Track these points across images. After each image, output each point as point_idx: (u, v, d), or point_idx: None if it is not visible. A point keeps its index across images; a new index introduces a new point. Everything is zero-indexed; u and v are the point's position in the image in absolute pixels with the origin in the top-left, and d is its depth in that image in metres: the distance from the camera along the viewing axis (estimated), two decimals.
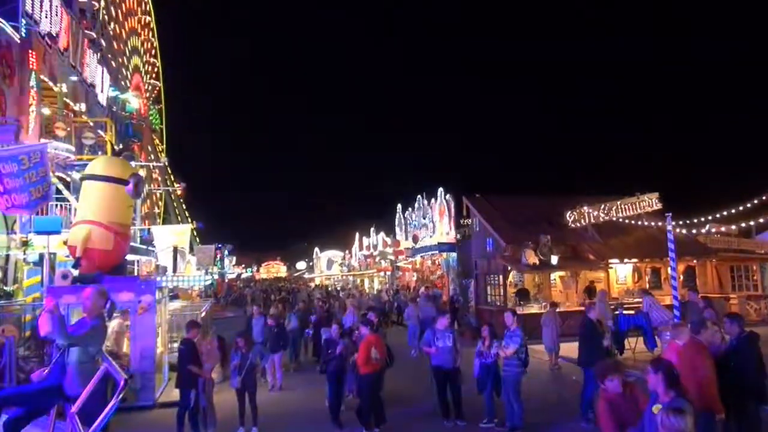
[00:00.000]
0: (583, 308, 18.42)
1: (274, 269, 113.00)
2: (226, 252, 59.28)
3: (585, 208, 20.41)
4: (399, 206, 34.94)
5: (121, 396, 4.67)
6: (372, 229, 41.94)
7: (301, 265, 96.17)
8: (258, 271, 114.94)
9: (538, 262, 18.37)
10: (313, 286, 48.09)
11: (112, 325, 10.61)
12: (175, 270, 17.29)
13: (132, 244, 24.10)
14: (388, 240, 36.40)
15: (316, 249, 63.64)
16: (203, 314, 18.12)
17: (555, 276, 20.11)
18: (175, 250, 15.36)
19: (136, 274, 24.75)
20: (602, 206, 20.59)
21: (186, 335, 9.21)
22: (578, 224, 20.31)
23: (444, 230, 26.71)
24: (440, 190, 27.18)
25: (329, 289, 40.27)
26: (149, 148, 38.01)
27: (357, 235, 47.50)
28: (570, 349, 14.30)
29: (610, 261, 19.77)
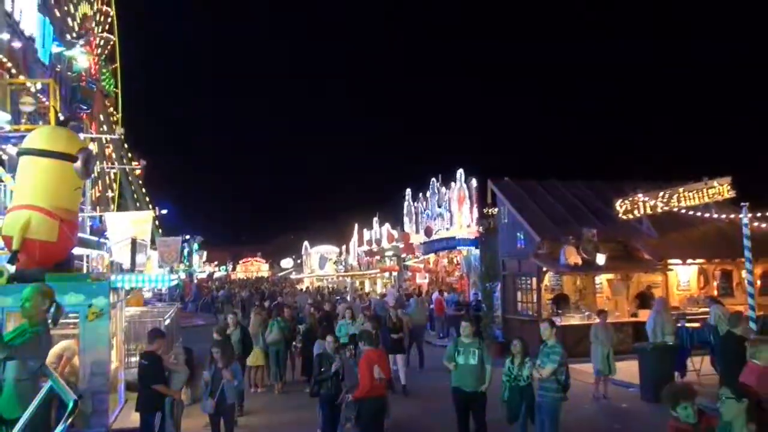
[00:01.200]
0: (635, 319, 18.65)
1: (254, 267, 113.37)
2: (195, 246, 59.52)
3: (640, 195, 20.29)
4: (408, 192, 34.88)
5: (69, 421, 4.64)
6: (375, 220, 41.92)
7: (286, 262, 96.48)
8: (234, 269, 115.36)
9: (580, 262, 18.33)
10: (302, 288, 48.16)
11: (60, 347, 10.59)
12: (133, 267, 17.29)
13: (80, 234, 24.09)
14: (395, 233, 36.36)
15: (306, 243, 63.66)
16: (168, 322, 18.19)
17: (601, 279, 20.09)
18: (134, 242, 15.34)
19: (85, 271, 24.78)
20: (661, 194, 20.47)
21: (148, 347, 9.18)
22: (631, 216, 20.23)
23: (464, 221, 26.65)
24: (460, 171, 27.12)
25: (325, 291, 40.34)
26: (101, 117, 37.98)
27: (356, 226, 47.50)
28: (619, 369, 14.35)
29: (670, 262, 19.70)
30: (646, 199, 20.34)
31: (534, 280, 19.45)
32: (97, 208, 33.95)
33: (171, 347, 10.26)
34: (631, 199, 20.35)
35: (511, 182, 22.78)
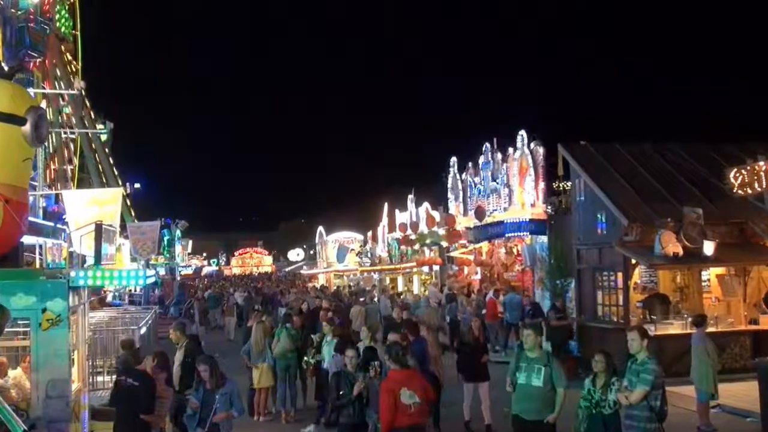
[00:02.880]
0: (755, 327, 18.39)
1: (254, 260, 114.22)
2: (177, 233, 60.12)
3: (761, 163, 19.91)
4: (453, 161, 34.72)
5: None
6: (410, 198, 41.81)
7: (295, 254, 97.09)
8: (228, 263, 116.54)
9: (681, 252, 18.14)
10: (314, 286, 48.42)
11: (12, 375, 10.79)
12: (99, 260, 17.43)
13: (31, 219, 24.48)
14: (436, 215, 36.27)
15: (320, 229, 63.87)
16: (143, 331, 18.44)
17: (709, 274, 19.89)
18: (99, 228, 15.41)
19: (38, 266, 25.05)
20: None
21: (141, 366, 9.36)
22: (749, 190, 19.84)
23: (527, 199, 26.48)
24: (521, 134, 26.84)
25: (345, 291, 40.46)
26: (57, 67, 38.39)
27: (385, 207, 47.46)
28: (733, 393, 14.17)
29: None
30: None
31: (619, 275, 19.31)
32: (53, 184, 34.45)
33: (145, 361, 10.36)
34: (749, 167, 19.99)
35: (590, 147, 22.56)
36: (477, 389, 13.99)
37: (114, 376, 13.00)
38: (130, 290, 34.10)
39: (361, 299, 29.40)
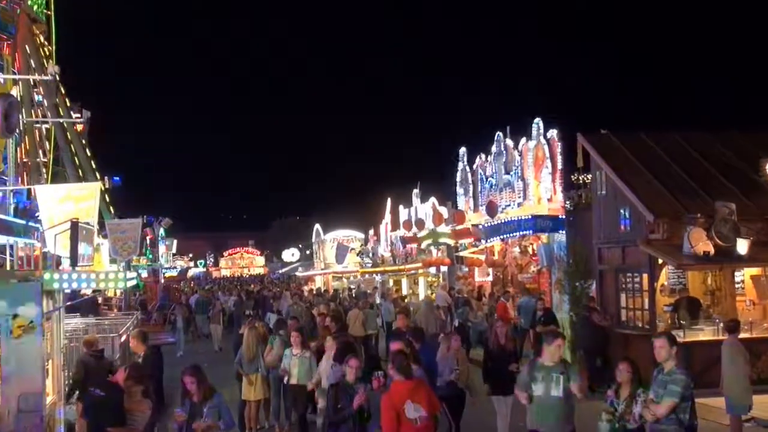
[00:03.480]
0: None
1: (245, 261, 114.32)
2: (161, 231, 60.03)
3: None
4: (462, 151, 34.71)
5: None
6: (415, 193, 41.85)
7: (290, 254, 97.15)
8: (216, 265, 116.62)
9: (712, 251, 18.14)
10: (310, 289, 48.35)
11: None
12: (75, 261, 17.43)
13: (1, 216, 24.45)
14: (444, 211, 36.27)
15: (317, 227, 63.90)
16: (124, 339, 18.43)
17: (743, 274, 19.90)
18: (75, 226, 15.43)
19: (8, 267, 25.02)
20: None
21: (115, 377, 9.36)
22: None
23: (543, 193, 26.45)
24: (537, 122, 26.81)
25: (344, 295, 40.43)
26: (28, 50, 38.35)
27: (388, 202, 47.47)
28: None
29: None
30: None
31: (645, 277, 19.31)
32: (24, 177, 34.44)
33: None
34: None
35: (612, 136, 22.53)
36: (501, 405, 13.69)
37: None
38: (116, 294, 34.08)
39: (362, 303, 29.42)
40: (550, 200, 26.06)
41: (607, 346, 19.08)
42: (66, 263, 15.96)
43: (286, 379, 14.46)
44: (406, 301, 31.99)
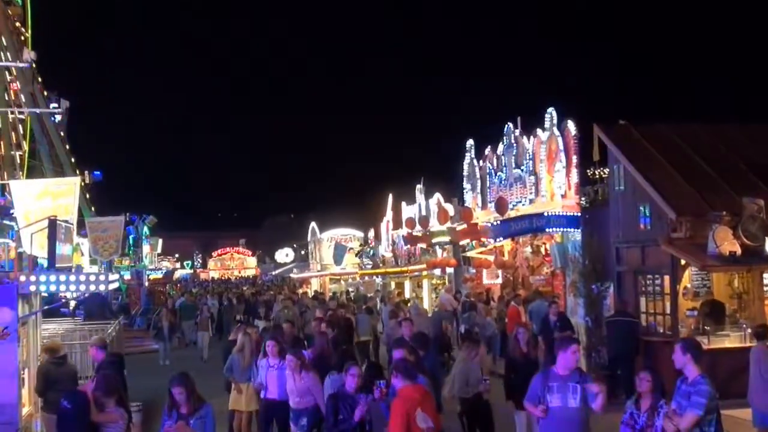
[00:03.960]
0: None
1: (235, 262, 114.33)
2: (144, 230, 60.10)
3: None
4: (469, 144, 34.67)
5: None
6: (418, 188, 41.80)
7: (284, 255, 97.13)
8: (204, 266, 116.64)
9: (739, 251, 18.11)
10: (305, 292, 48.34)
11: None
12: (53, 262, 17.46)
13: None
14: (449, 208, 36.27)
15: (313, 226, 63.88)
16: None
17: None
18: (53, 224, 15.45)
19: None
20: None
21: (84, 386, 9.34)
22: None
23: (557, 189, 26.40)
24: (550, 112, 26.74)
25: (343, 296, 40.40)
26: (3, 36, 38.37)
27: (389, 199, 47.46)
28: None
29: None
30: None
31: (666, 279, 19.31)
32: None
33: None
34: None
35: (631, 128, 22.48)
36: (519, 420, 13.60)
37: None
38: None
39: (365, 307, 29.43)
40: (564, 196, 25.99)
41: (638, 354, 18.96)
42: (43, 264, 15.97)
43: (262, 393, 14.19)
44: (408, 305, 31.91)
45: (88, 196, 41.08)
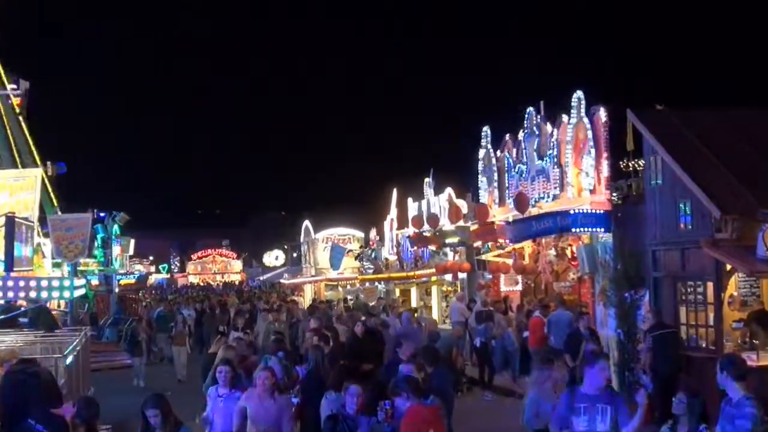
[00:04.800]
0: None
1: (217, 265, 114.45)
2: (115, 229, 60.11)
3: None
4: (485, 131, 34.64)
5: None
6: (427, 182, 41.80)
7: (273, 257, 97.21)
8: (183, 270, 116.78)
9: None
10: (293, 299, 48.30)
11: None
12: (10, 265, 17.43)
13: None
14: (462, 205, 36.26)
15: (307, 224, 63.93)
16: (69, 360, 18.42)
17: None
18: (11, 222, 15.43)
19: None
20: None
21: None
22: None
23: (584, 184, 26.37)
24: (578, 96, 26.68)
25: (340, 305, 40.37)
26: None
27: (394, 194, 47.47)
28: None
29: None
30: None
31: (710, 286, 19.29)
32: None
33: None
34: None
35: (670, 113, 22.45)
36: None
37: None
38: (60, 305, 34.11)
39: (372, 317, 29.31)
40: (593, 191, 25.94)
41: (680, 371, 18.89)
42: None
43: (207, 430, 13.28)
44: (416, 315, 31.90)
45: (51, 190, 41.05)
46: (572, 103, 26.69)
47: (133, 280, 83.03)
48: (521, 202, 29.36)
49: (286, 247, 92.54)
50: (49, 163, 41.46)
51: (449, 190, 38.24)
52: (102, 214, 57.40)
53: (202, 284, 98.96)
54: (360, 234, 58.22)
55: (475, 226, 33.45)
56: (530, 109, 30.11)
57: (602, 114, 25.43)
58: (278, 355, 15.83)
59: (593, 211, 25.25)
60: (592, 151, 25.66)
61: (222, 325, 34.29)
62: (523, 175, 30.62)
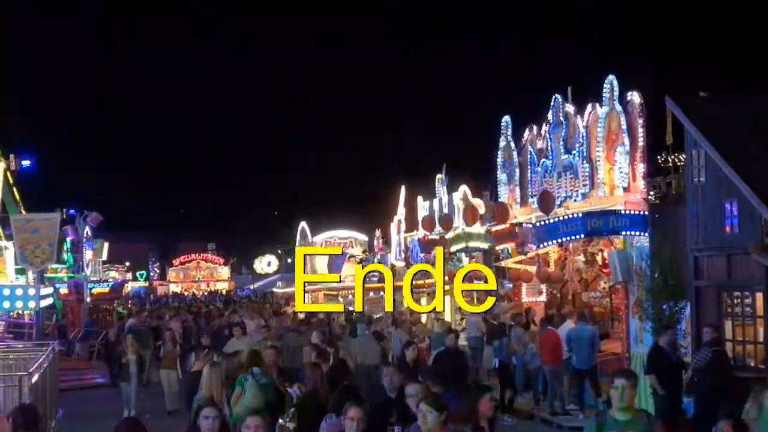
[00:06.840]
0: None
1: (202, 272, 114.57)
2: (87, 231, 60.11)
3: None
4: (506, 121, 34.63)
5: None
6: (439, 179, 41.82)
7: (265, 263, 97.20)
8: (164, 277, 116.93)
9: None
10: (284, 311, 48.32)
11: None
12: None
13: None
14: (479, 204, 36.27)
15: (303, 226, 63.96)
16: (35, 379, 18.47)
17: None
18: None
19: None
20: None
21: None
22: None
23: (618, 180, 26.35)
24: (611, 81, 26.64)
25: (341, 317, 40.49)
26: None
27: (402, 192, 47.52)
28: None
29: None
30: None
31: (759, 297, 19.40)
32: None
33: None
34: None
35: (715, 101, 22.42)
36: None
37: None
38: (16, 314, 34.18)
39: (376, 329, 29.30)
40: (627, 190, 25.89)
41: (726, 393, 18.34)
42: None
43: None
44: (413, 328, 31.90)
45: (14, 186, 41.18)
46: (604, 90, 26.64)
47: (106, 289, 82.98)
48: (546, 201, 29.34)
49: (279, 251, 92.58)
50: (12, 156, 41.48)
51: (464, 188, 38.16)
52: (72, 213, 57.45)
53: (185, 293, 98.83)
54: (363, 237, 58.27)
55: (494, 229, 33.42)
56: (557, 96, 30.04)
57: (637, 100, 25.31)
58: (253, 371, 15.74)
59: (627, 211, 25.21)
60: (626, 143, 25.56)
61: (205, 338, 34.09)
62: (549, 171, 30.60)
